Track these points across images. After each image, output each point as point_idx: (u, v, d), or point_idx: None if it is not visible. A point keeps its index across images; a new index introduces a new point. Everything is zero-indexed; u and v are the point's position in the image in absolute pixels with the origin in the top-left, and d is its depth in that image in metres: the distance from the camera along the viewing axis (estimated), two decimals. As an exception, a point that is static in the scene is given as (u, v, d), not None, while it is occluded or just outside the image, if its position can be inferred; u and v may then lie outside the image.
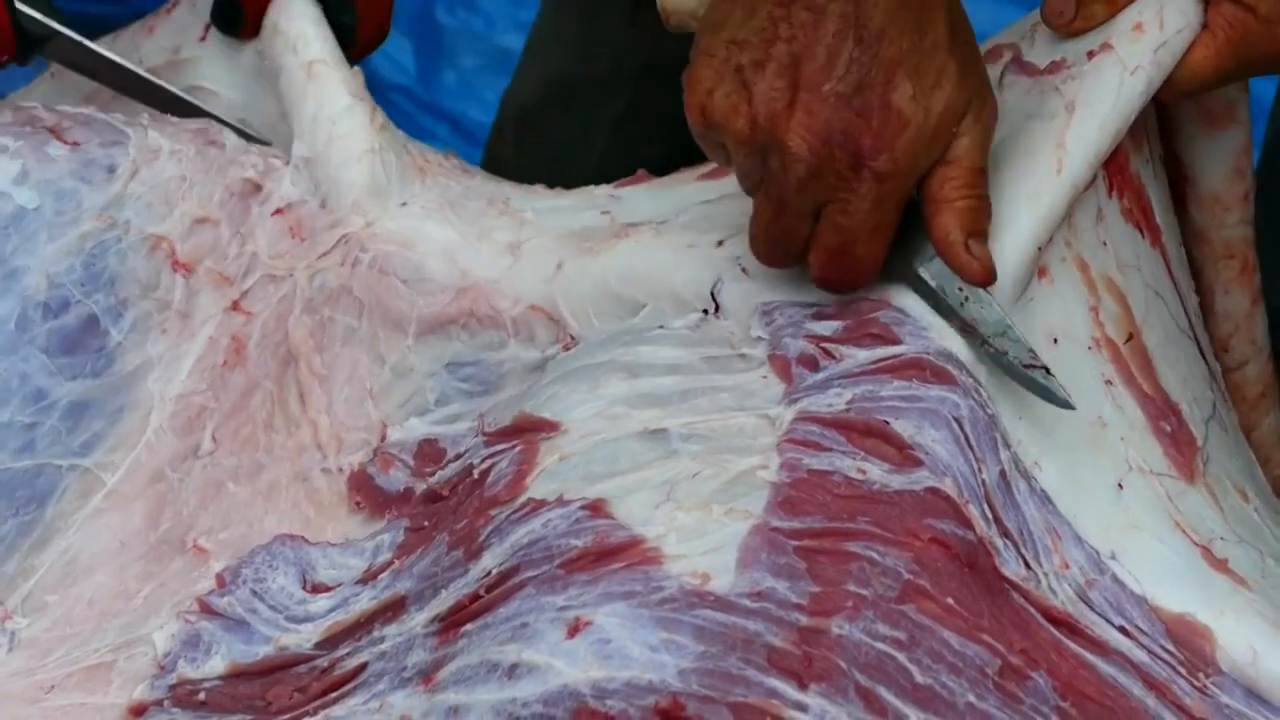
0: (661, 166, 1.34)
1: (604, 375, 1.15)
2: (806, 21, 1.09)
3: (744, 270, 1.19)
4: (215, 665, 1.13)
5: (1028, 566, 1.09)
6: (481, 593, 1.07)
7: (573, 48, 1.70)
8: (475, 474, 1.13)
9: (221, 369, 1.25)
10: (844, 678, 1.02)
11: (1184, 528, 1.14)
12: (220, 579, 1.17)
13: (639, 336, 1.18)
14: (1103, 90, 1.18)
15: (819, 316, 1.14)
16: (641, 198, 1.30)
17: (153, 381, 1.25)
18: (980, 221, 1.13)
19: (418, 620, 1.09)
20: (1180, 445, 1.18)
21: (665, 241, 1.23)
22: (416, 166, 1.31)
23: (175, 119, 1.31)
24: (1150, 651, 1.09)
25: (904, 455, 1.08)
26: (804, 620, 1.03)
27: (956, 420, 1.09)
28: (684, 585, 1.03)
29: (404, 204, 1.28)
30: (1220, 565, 1.13)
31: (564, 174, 1.38)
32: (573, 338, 1.22)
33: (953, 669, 1.04)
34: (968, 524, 1.07)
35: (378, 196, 1.28)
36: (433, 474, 1.18)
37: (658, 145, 1.45)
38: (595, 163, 1.51)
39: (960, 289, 1.13)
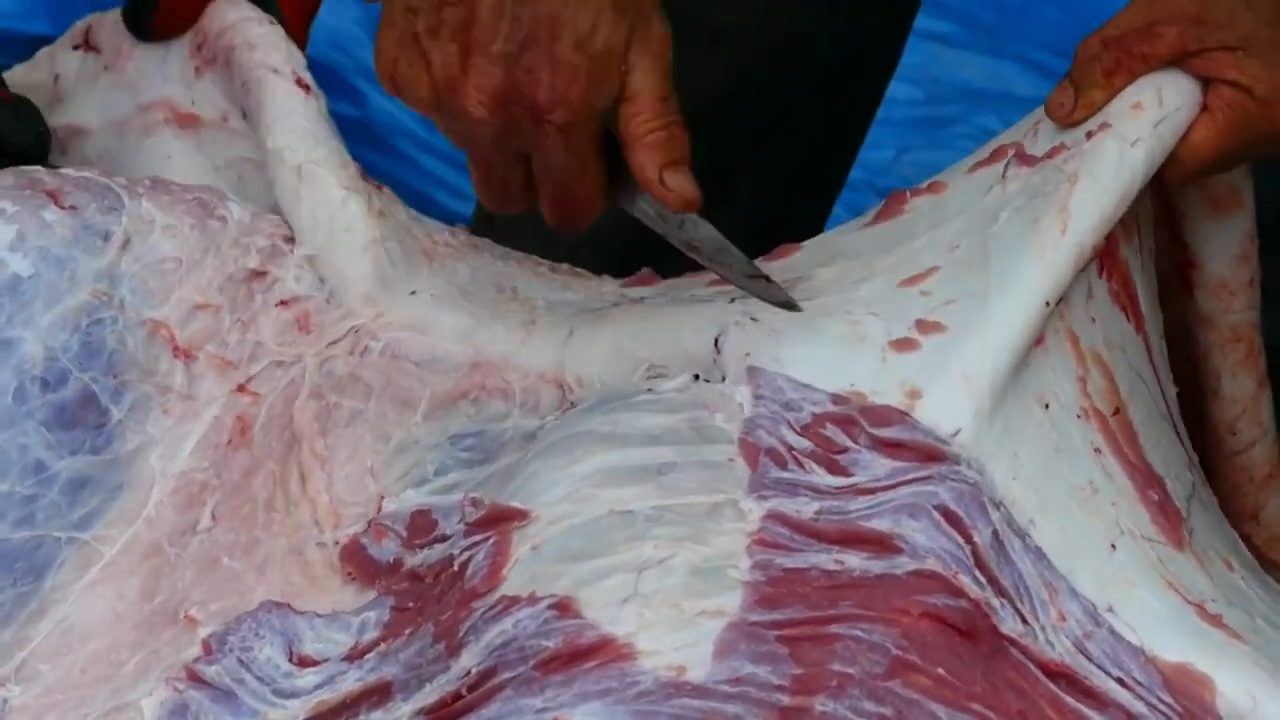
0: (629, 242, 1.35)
1: (581, 447, 1.14)
2: None
3: (752, 319, 1.18)
4: (202, 737, 1.12)
5: (1024, 621, 1.08)
6: (464, 692, 1.06)
7: None
8: (455, 565, 1.12)
9: (225, 448, 1.24)
10: (828, 754, 1.01)
11: (1176, 587, 1.13)
12: (207, 645, 1.15)
13: (624, 403, 1.17)
14: (1104, 161, 1.18)
15: (797, 413, 1.14)
16: (648, 295, 1.31)
17: (155, 458, 1.23)
18: (672, 150, 1.16)
19: (404, 711, 1.08)
20: (1167, 514, 1.17)
21: (676, 302, 1.24)
22: (422, 250, 1.30)
23: (176, 185, 1.29)
24: (1148, 703, 1.08)
25: (883, 546, 1.07)
26: (786, 700, 1.02)
27: (935, 508, 1.08)
28: (659, 678, 1.02)
29: (413, 292, 1.27)
30: (1215, 620, 1.12)
31: (553, 237, 1.38)
32: (573, 404, 1.21)
33: (942, 743, 1.03)
34: (960, 593, 1.06)
35: (386, 287, 1.27)
36: (422, 545, 1.17)
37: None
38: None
39: (679, 216, 1.17)
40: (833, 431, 1.13)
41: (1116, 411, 1.18)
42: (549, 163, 1.16)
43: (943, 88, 2.19)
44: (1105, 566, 1.12)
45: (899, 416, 1.12)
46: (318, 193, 1.28)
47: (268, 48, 1.33)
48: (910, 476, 1.10)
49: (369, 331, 1.25)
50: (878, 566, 1.06)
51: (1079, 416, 1.17)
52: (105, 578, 1.20)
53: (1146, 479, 1.18)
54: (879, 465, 1.11)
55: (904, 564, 1.07)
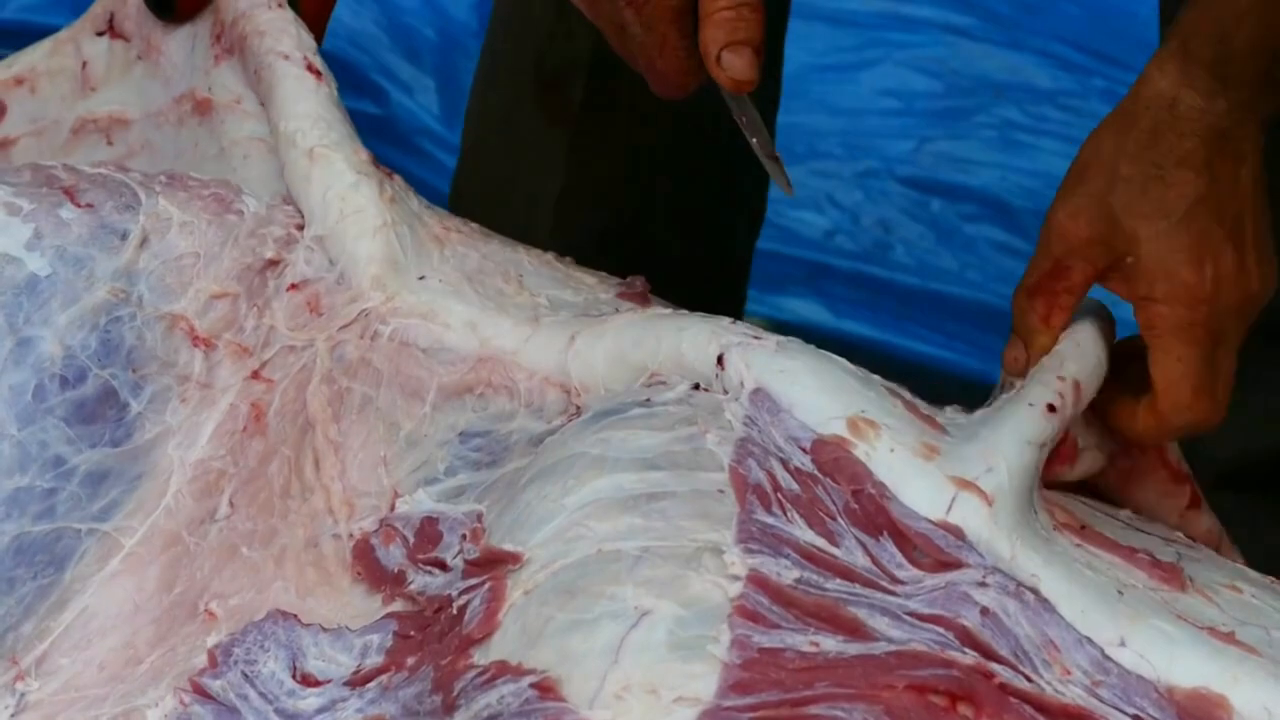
0: (604, 246, 1.34)
1: (573, 474, 1.12)
2: None
3: (755, 338, 1.16)
4: (205, 754, 1.12)
5: (1029, 680, 1.06)
6: None
7: (500, 138, 1.69)
8: (454, 608, 1.12)
9: (241, 435, 1.23)
10: (807, 838, 0.99)
11: (1186, 618, 1.11)
12: (212, 656, 1.15)
13: (619, 418, 1.15)
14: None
15: (789, 453, 1.12)
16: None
17: (173, 448, 1.22)
18: (740, 30, 1.17)
19: None
20: (1163, 568, 1.15)
21: (677, 315, 1.22)
22: (434, 236, 1.28)
23: (194, 180, 1.28)
24: None
25: (858, 633, 1.06)
26: (761, 784, 1.01)
27: (908, 613, 1.06)
28: None
29: (422, 277, 1.25)
30: (1228, 638, 1.10)
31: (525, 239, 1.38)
32: (579, 410, 1.19)
33: (929, 819, 1.01)
34: (949, 664, 1.04)
35: (395, 271, 1.25)
36: (425, 563, 1.16)
37: (592, 229, 1.45)
38: (546, 238, 1.49)
39: (739, 107, 1.21)
40: (822, 494, 1.11)
41: (1083, 527, 1.17)
42: (631, 36, 1.18)
43: (963, 80, 2.17)
44: (1115, 606, 1.10)
45: (882, 511, 1.10)
46: (329, 175, 1.26)
47: (278, 34, 1.31)
48: (883, 583, 1.08)
49: (379, 316, 1.23)
50: (854, 649, 1.04)
51: (1055, 529, 1.15)
52: (125, 569, 1.20)
53: (1129, 552, 1.16)
54: (859, 554, 1.09)
55: (882, 647, 1.05)
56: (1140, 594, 1.11)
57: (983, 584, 1.07)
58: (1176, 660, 1.08)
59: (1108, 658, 1.07)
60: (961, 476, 1.11)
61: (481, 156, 1.73)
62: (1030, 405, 1.15)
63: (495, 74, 1.68)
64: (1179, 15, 1.16)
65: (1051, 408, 1.15)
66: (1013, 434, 1.13)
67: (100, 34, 1.39)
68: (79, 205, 1.23)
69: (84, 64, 1.40)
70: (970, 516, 1.10)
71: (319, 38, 1.33)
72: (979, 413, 1.18)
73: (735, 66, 1.17)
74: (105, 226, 1.23)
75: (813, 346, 1.18)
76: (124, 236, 1.23)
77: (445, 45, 2.16)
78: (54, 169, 1.25)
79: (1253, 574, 1.20)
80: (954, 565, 1.08)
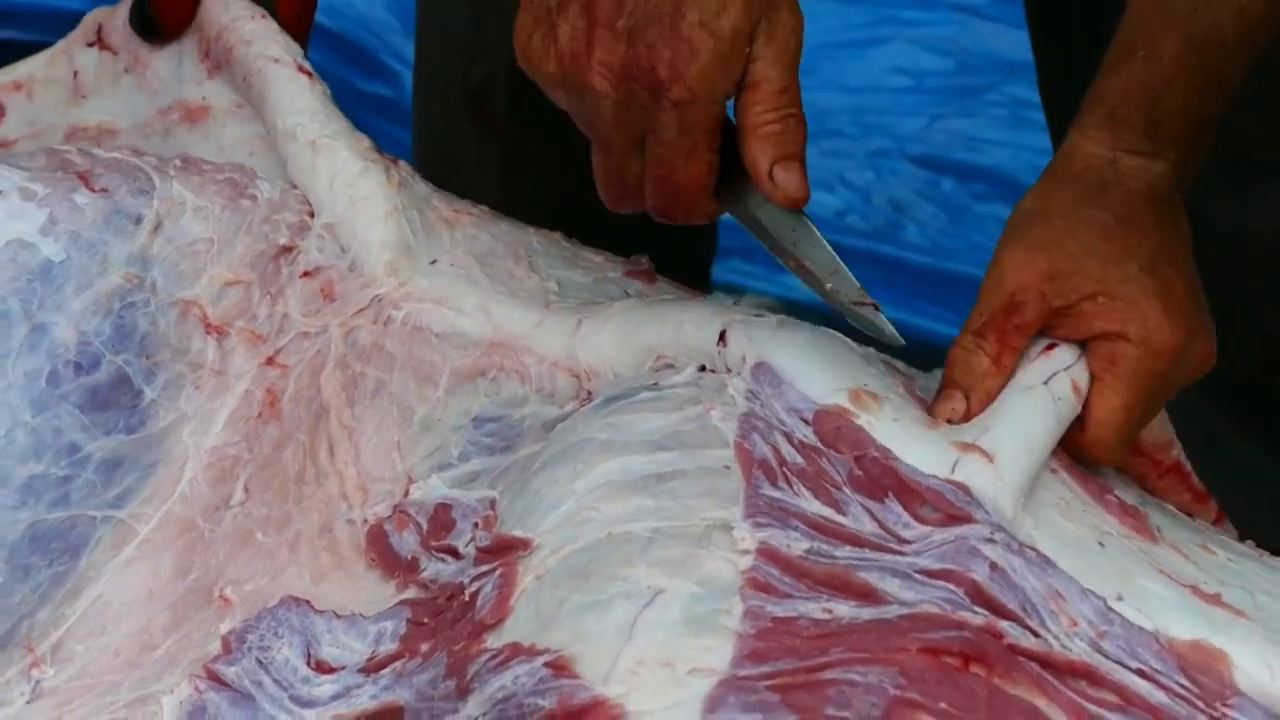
0: (554, 216, 1.33)
1: (582, 458, 1.12)
2: None
3: (757, 316, 1.16)
4: (220, 741, 1.12)
5: (1036, 635, 1.05)
6: None
7: (437, 151, 1.66)
8: (466, 595, 1.11)
9: (256, 421, 1.22)
10: (822, 797, 0.99)
11: (1166, 573, 1.11)
12: (226, 643, 1.14)
13: (627, 402, 1.15)
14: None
15: (792, 426, 1.11)
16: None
17: (188, 434, 1.22)
18: (788, 144, 1.12)
19: None
20: (1131, 514, 1.15)
21: (681, 299, 1.23)
22: (443, 219, 1.28)
23: (208, 164, 1.27)
24: (1168, 690, 1.05)
25: (870, 597, 1.05)
26: (778, 749, 1.00)
27: (918, 571, 1.06)
28: None
29: (434, 261, 1.25)
30: (1214, 600, 1.10)
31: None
32: (589, 394, 1.19)
33: (940, 780, 1.01)
34: (961, 625, 1.03)
35: (407, 256, 1.24)
36: (438, 550, 1.16)
37: (544, 198, 1.43)
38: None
39: (792, 230, 1.13)
40: (827, 465, 1.10)
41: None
42: (660, 141, 1.12)
43: (974, 58, 2.16)
44: (1101, 561, 1.09)
45: (889, 470, 1.10)
46: (335, 164, 1.26)
47: (264, 41, 1.32)
48: (891, 545, 1.08)
49: (391, 301, 1.23)
50: (867, 613, 1.04)
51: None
52: (140, 555, 1.20)
53: (1101, 488, 1.15)
54: (866, 520, 1.09)
55: (895, 610, 1.04)
56: (1118, 544, 1.11)
57: (990, 540, 1.07)
58: (1170, 617, 1.08)
59: (1110, 609, 1.07)
60: (962, 440, 1.10)
61: (426, 166, 1.70)
62: (1025, 389, 1.13)
63: (428, 89, 1.66)
64: (1095, 84, 1.15)
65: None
66: (1012, 398, 1.13)
67: (90, 45, 1.40)
68: (93, 190, 1.22)
69: (75, 73, 1.41)
70: (975, 475, 1.09)
71: (301, 44, 1.34)
72: None
73: (791, 182, 1.12)
74: (119, 211, 1.22)
75: (811, 324, 1.17)
76: (138, 221, 1.22)
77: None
78: (68, 153, 1.24)
79: (1223, 538, 1.20)
80: (963, 519, 1.08)
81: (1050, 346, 1.14)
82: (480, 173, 1.60)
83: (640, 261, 1.31)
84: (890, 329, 1.13)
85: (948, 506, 1.08)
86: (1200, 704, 1.05)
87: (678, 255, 1.39)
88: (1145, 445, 1.21)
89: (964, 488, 1.09)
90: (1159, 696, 1.05)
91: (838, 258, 1.13)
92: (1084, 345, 1.14)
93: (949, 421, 1.13)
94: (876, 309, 1.13)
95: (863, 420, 1.11)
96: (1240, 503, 1.28)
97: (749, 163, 1.13)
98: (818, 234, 1.13)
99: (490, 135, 1.58)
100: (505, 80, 1.54)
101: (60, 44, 1.41)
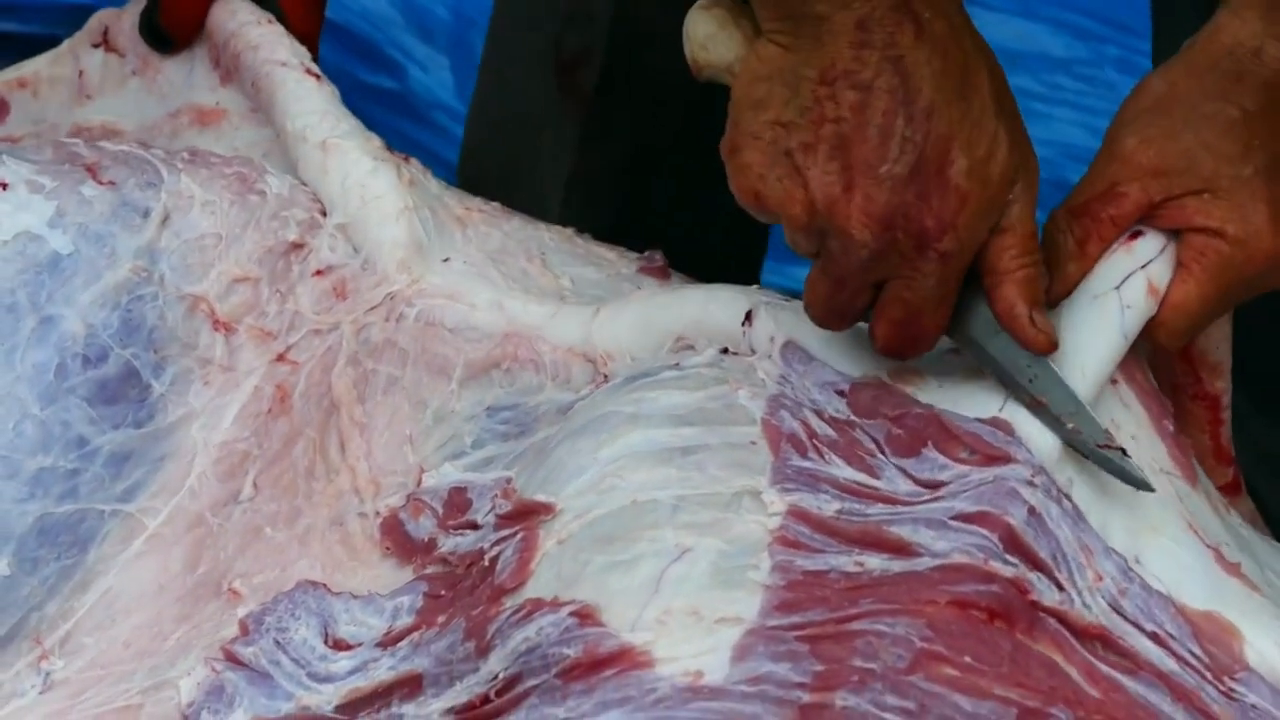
0: (614, 228, 1.31)
1: (607, 430, 1.11)
2: (854, 101, 1.03)
3: (784, 300, 1.15)
4: (238, 719, 1.10)
5: (1061, 588, 1.05)
6: (492, 695, 1.05)
7: (514, 122, 1.64)
8: (485, 560, 1.11)
9: (266, 417, 1.22)
10: (849, 745, 0.98)
11: (1195, 529, 1.10)
12: (244, 625, 1.13)
13: (651, 380, 1.14)
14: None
15: (824, 402, 1.11)
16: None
17: (196, 429, 1.21)
18: (1039, 290, 1.08)
19: (435, 708, 1.07)
20: (1181, 447, 1.14)
21: (701, 286, 1.21)
22: (455, 217, 1.27)
23: (216, 158, 1.26)
24: (1179, 658, 1.05)
25: (902, 550, 1.04)
26: (806, 698, 0.99)
27: (954, 517, 1.05)
28: (677, 684, 1.00)
29: (446, 259, 1.24)
30: (1233, 570, 1.10)
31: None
32: (605, 378, 1.19)
33: (966, 729, 1.00)
34: (990, 578, 1.03)
35: (420, 254, 1.24)
36: (456, 528, 1.15)
37: (605, 208, 1.41)
38: (554, 221, 1.47)
39: (1029, 365, 1.08)
40: (861, 436, 1.09)
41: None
42: (912, 288, 1.06)
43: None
44: (1132, 512, 1.09)
45: (931, 419, 1.09)
46: (346, 164, 1.25)
47: (271, 45, 1.31)
48: (925, 497, 1.07)
49: (404, 298, 1.22)
50: (898, 566, 1.03)
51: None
52: (149, 549, 1.18)
53: (1161, 408, 1.14)
54: (900, 481, 1.08)
55: (926, 563, 1.03)
56: (1159, 488, 1.09)
57: (1030, 482, 1.06)
58: (1186, 586, 1.08)
59: (1129, 569, 1.07)
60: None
61: (489, 139, 1.70)
62: (1095, 297, 1.12)
63: (508, 55, 1.65)
64: None
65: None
66: (1078, 310, 1.11)
67: (96, 46, 1.40)
68: (101, 183, 1.21)
69: (80, 73, 1.40)
70: (1019, 413, 1.08)
71: (311, 48, 1.34)
72: None
73: (1050, 330, 1.08)
74: (127, 204, 1.21)
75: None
76: (146, 214, 1.22)
77: (459, 24, 2.15)
78: (76, 146, 1.24)
79: (1240, 508, 1.20)
80: (1003, 459, 1.07)
81: (1135, 235, 1.13)
82: (558, 140, 1.58)
83: (654, 258, 1.31)
84: (1139, 473, 1.08)
85: (986, 448, 1.07)
86: (1209, 675, 1.05)
87: (731, 251, 1.37)
88: (1196, 350, 1.20)
89: (1006, 425, 1.08)
90: (1169, 664, 1.05)
91: (1078, 396, 1.08)
92: (1174, 234, 1.13)
93: (1026, 300, 1.11)
94: (1124, 454, 1.08)
95: (907, 389, 1.10)
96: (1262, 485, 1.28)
97: (1003, 308, 1.07)
98: (1055, 371, 1.08)
99: (575, 105, 1.56)
100: (600, 54, 1.52)
101: (66, 43, 1.40)
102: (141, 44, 1.37)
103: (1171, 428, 1.13)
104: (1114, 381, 1.12)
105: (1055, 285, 1.12)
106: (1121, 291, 1.12)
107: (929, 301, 1.07)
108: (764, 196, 1.06)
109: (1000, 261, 1.07)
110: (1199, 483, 1.13)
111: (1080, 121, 1.96)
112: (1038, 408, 1.08)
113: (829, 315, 1.10)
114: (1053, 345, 1.08)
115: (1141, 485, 1.08)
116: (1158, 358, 1.18)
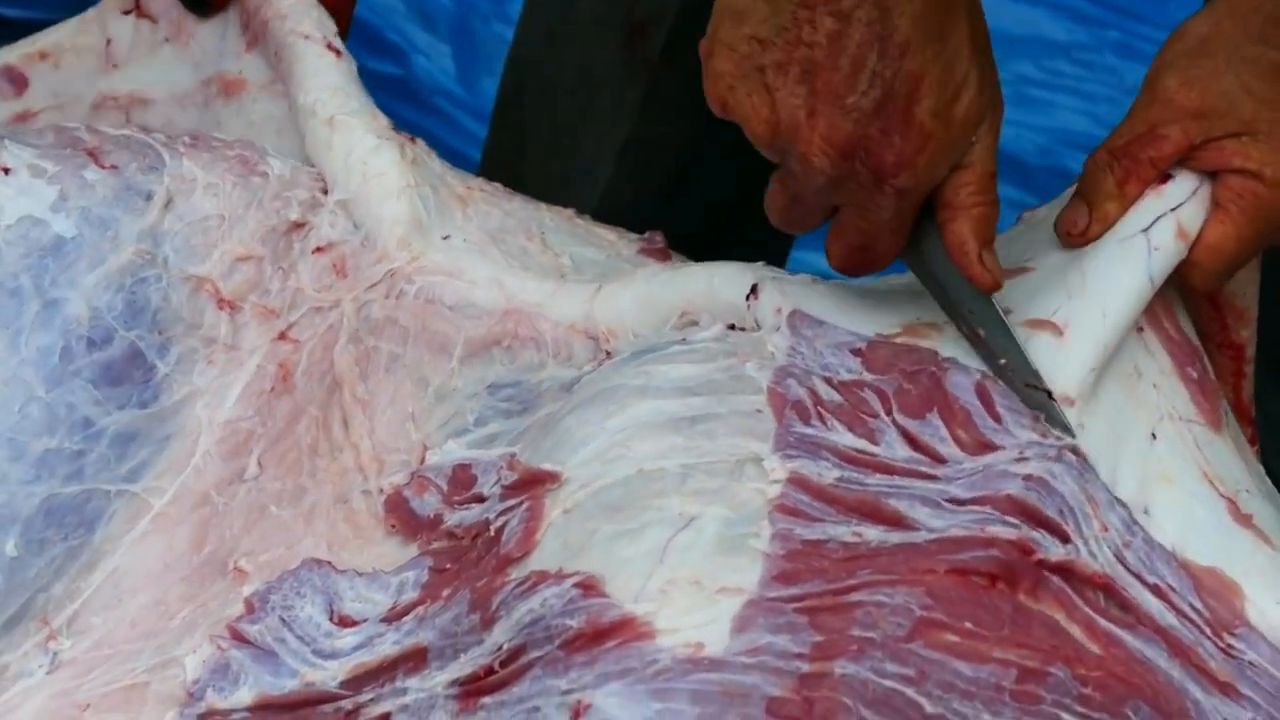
0: (664, 195, 1.30)
1: (617, 400, 1.12)
2: (831, 29, 1.03)
3: (789, 273, 1.16)
4: (243, 696, 1.11)
5: (1068, 540, 1.05)
6: (496, 667, 1.05)
7: (572, 83, 1.62)
8: (491, 530, 1.11)
9: (269, 395, 1.22)
10: (849, 714, 0.98)
11: (1211, 478, 1.10)
12: (249, 604, 1.14)
13: (658, 354, 1.14)
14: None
15: (836, 364, 1.11)
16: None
17: (200, 408, 1.21)
18: (991, 229, 1.09)
19: (439, 680, 1.07)
20: (1206, 392, 1.13)
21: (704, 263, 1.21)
22: (456, 196, 1.27)
23: (217, 141, 1.26)
24: (1179, 611, 1.05)
25: (899, 523, 1.05)
26: (805, 668, 1.00)
27: (949, 499, 1.05)
28: (677, 655, 1.00)
29: (446, 237, 1.24)
30: (1245, 520, 1.09)
31: (568, 201, 1.33)
32: (608, 354, 1.19)
33: (965, 695, 1.00)
34: (990, 544, 1.03)
35: (420, 231, 1.24)
36: (461, 503, 1.15)
37: (658, 174, 1.40)
38: (601, 191, 1.46)
39: (972, 297, 1.09)
40: (868, 395, 1.09)
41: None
42: (867, 218, 1.07)
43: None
44: (1145, 461, 1.09)
45: (937, 385, 1.09)
46: (350, 141, 1.25)
47: (299, 16, 1.31)
48: (924, 469, 1.07)
49: (404, 275, 1.23)
50: (896, 538, 1.04)
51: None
52: (155, 529, 1.19)
53: (1186, 354, 1.14)
54: (899, 447, 1.08)
55: (923, 535, 1.04)
56: (1173, 437, 1.10)
57: (1021, 458, 1.06)
58: (1193, 540, 1.07)
59: (1134, 520, 1.07)
60: (1034, 316, 1.10)
61: (537, 95, 1.66)
62: (1122, 240, 1.12)
63: (570, 9, 1.60)
64: None
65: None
66: (1105, 253, 1.11)
67: (126, 13, 1.39)
68: (103, 166, 1.21)
69: (108, 41, 1.39)
70: (1041, 351, 1.09)
71: (344, 30, 1.33)
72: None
73: (997, 269, 1.09)
74: (130, 187, 1.21)
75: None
76: (148, 197, 1.22)
77: (461, 12, 2.15)
78: (77, 131, 1.24)
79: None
80: (990, 447, 1.07)
81: (1165, 178, 1.13)
82: (620, 102, 1.55)
83: (654, 239, 1.31)
84: (1064, 418, 1.09)
85: (976, 434, 1.08)
86: (1208, 630, 1.05)
87: (767, 225, 1.37)
88: (1225, 295, 1.20)
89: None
90: (1169, 618, 1.05)
91: (1014, 336, 1.10)
92: (1208, 177, 1.14)
93: (1069, 234, 1.13)
94: (1050, 396, 1.09)
95: (924, 344, 1.11)
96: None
97: (954, 240, 1.08)
98: (997, 310, 1.10)
99: (638, 69, 1.53)
100: (670, 20, 1.50)
101: (92, 11, 1.39)
102: (174, 8, 1.36)
103: (1196, 375, 1.13)
104: (1139, 329, 1.12)
105: (1093, 224, 1.13)
106: (1150, 234, 1.12)
107: (883, 230, 1.08)
108: (731, 107, 1.06)
109: (957, 197, 1.08)
110: (1224, 428, 1.13)
111: (1080, 108, 1.95)
112: (975, 340, 1.10)
113: (786, 223, 1.11)
114: (997, 284, 1.09)
115: (1064, 429, 1.08)
116: (1185, 306, 1.18)
